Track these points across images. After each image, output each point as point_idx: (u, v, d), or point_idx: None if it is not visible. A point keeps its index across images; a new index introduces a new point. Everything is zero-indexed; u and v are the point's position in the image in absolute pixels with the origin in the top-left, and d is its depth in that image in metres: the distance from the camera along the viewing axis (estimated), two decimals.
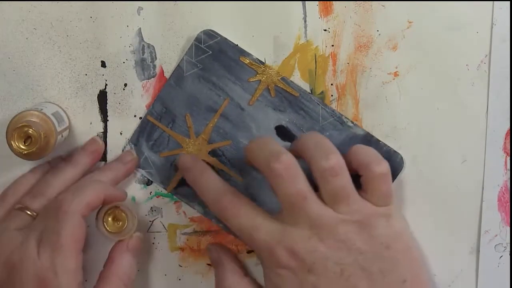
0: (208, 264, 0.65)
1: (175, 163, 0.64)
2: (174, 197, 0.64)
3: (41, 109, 0.59)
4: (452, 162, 0.64)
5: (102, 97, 0.64)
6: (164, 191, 0.64)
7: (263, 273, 0.57)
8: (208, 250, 0.65)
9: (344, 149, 0.60)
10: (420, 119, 0.64)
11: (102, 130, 0.64)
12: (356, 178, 0.57)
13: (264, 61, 0.64)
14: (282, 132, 0.64)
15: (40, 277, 0.54)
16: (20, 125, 0.56)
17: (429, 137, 0.64)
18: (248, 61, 0.64)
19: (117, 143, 0.64)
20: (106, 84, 0.64)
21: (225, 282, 0.61)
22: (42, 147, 0.57)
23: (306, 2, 0.63)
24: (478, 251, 0.64)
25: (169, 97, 0.64)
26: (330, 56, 0.64)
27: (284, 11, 0.63)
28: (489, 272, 0.64)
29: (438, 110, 0.64)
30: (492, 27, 0.63)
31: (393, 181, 0.63)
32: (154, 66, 0.64)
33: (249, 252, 0.65)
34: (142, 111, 0.64)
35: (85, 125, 0.64)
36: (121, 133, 0.64)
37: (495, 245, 0.64)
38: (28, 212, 0.59)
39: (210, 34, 0.63)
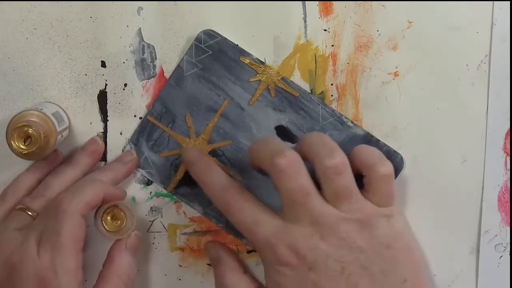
0: (208, 264, 0.65)
1: (178, 160, 0.64)
2: (174, 197, 0.64)
3: (41, 109, 0.59)
4: (452, 162, 0.64)
5: (102, 97, 0.64)
6: (164, 191, 0.64)
7: (264, 271, 0.57)
8: (206, 248, 0.65)
9: (344, 149, 0.60)
10: (420, 119, 0.64)
11: (102, 130, 0.64)
12: (357, 178, 0.57)
13: (264, 61, 0.64)
14: (282, 132, 0.64)
15: (40, 276, 0.54)
16: (20, 125, 0.56)
17: (429, 137, 0.64)
18: (248, 61, 0.64)
19: (117, 143, 0.64)
20: (106, 84, 0.64)
21: (224, 279, 0.61)
22: (42, 147, 0.57)
23: (306, 2, 0.63)
24: (478, 251, 0.64)
25: (169, 97, 0.64)
26: (330, 56, 0.64)
27: (284, 11, 0.63)
28: (489, 272, 0.64)
29: (438, 110, 0.64)
30: (492, 27, 0.63)
31: None
32: (154, 66, 0.64)
33: (249, 252, 0.65)
34: (142, 111, 0.64)
35: (85, 125, 0.64)
36: (121, 133, 0.64)
37: (495, 245, 0.64)
38: (29, 212, 0.59)
39: (210, 34, 0.63)
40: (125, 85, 0.64)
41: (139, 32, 0.63)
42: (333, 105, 0.64)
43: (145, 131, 0.64)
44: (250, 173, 0.63)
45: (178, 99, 0.64)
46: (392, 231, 0.56)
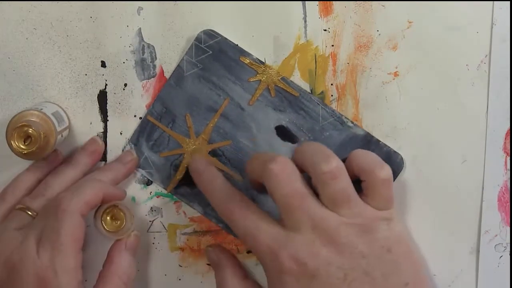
0: (208, 264, 0.65)
1: (178, 160, 0.64)
2: (174, 197, 0.64)
3: (41, 109, 0.59)
4: (452, 162, 0.64)
5: (102, 97, 0.64)
6: (164, 191, 0.64)
7: (266, 279, 0.57)
8: (206, 252, 0.64)
9: (344, 150, 0.60)
10: (420, 119, 0.64)
11: (102, 130, 0.64)
12: (355, 183, 0.56)
13: (264, 61, 0.64)
14: (282, 132, 0.64)
15: (40, 276, 0.54)
16: (20, 124, 0.56)
17: (429, 137, 0.64)
18: (248, 61, 0.64)
19: (117, 143, 0.64)
20: (106, 84, 0.64)
21: (225, 285, 0.61)
22: (42, 146, 0.57)
23: (306, 2, 0.63)
24: (478, 251, 0.64)
25: (169, 97, 0.64)
26: (330, 56, 0.64)
27: (284, 11, 0.63)
28: (489, 272, 0.64)
29: (438, 110, 0.64)
30: (492, 27, 0.63)
31: (393, 182, 0.63)
32: (154, 66, 0.64)
33: (249, 252, 0.65)
34: (142, 111, 0.64)
35: (85, 125, 0.64)
36: (121, 133, 0.64)
37: (495, 245, 0.64)
38: (28, 212, 0.59)
39: (210, 34, 0.63)
40: (125, 85, 0.64)
41: (139, 32, 0.63)
42: (333, 105, 0.64)
43: (145, 131, 0.64)
44: None
45: (178, 99, 0.64)
46: (392, 234, 0.56)
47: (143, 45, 0.64)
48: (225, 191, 0.59)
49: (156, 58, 0.64)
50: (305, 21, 0.63)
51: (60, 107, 0.63)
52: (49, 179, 0.61)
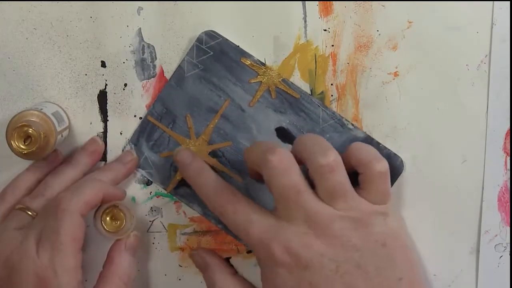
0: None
1: (174, 158, 0.64)
2: (174, 197, 0.64)
3: (41, 109, 0.59)
4: (452, 162, 0.64)
5: (102, 97, 0.64)
6: (164, 191, 0.64)
7: (260, 271, 0.57)
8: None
9: (344, 152, 0.60)
10: (420, 119, 0.64)
11: (102, 130, 0.64)
12: (352, 177, 0.56)
13: (264, 62, 0.64)
14: (283, 134, 0.64)
15: (40, 276, 0.54)
16: (20, 124, 0.57)
17: (429, 137, 0.64)
18: (249, 62, 0.64)
19: (117, 143, 0.64)
20: (106, 84, 0.64)
21: (216, 284, 0.61)
22: (42, 146, 0.57)
23: (306, 2, 0.63)
24: (478, 251, 0.64)
25: (169, 98, 0.64)
26: (330, 56, 0.64)
27: (284, 11, 0.63)
28: (489, 272, 0.64)
29: (438, 110, 0.64)
30: (492, 27, 0.63)
31: (392, 184, 0.63)
32: (154, 66, 0.64)
33: (248, 252, 0.65)
34: (142, 111, 0.64)
35: (85, 125, 0.64)
36: (121, 133, 0.64)
37: (495, 245, 0.64)
38: (28, 212, 0.59)
39: (211, 34, 0.63)
40: (125, 85, 0.64)
41: (139, 32, 0.63)
42: (333, 105, 0.64)
43: (145, 131, 0.64)
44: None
45: (178, 100, 0.64)
46: (388, 229, 0.55)
47: (143, 45, 0.64)
48: (214, 184, 0.59)
49: (156, 58, 0.64)
50: (305, 21, 0.63)
51: (60, 107, 0.63)
52: (49, 179, 0.61)
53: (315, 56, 0.64)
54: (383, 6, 0.63)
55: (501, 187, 0.64)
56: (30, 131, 0.57)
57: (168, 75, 0.64)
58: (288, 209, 0.55)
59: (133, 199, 0.65)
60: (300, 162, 0.56)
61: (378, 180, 0.56)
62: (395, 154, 0.63)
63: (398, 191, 0.63)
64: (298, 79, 0.64)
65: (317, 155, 0.55)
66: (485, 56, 0.63)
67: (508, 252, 0.64)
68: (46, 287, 0.54)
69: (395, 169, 0.63)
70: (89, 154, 0.63)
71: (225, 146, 0.64)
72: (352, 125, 0.64)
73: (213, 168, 0.63)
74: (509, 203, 0.64)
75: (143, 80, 0.64)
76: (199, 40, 0.63)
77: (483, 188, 0.64)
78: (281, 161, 0.55)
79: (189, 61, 0.64)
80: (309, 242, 0.54)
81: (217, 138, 0.64)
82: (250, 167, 0.60)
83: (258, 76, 0.64)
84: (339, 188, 0.55)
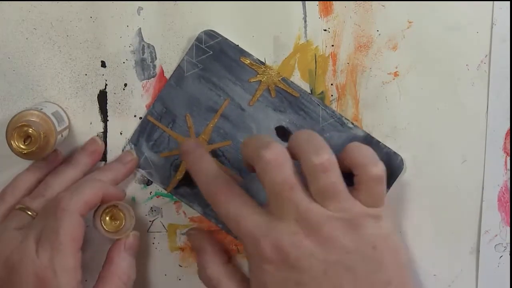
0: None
1: (178, 160, 0.64)
2: (174, 197, 0.64)
3: (41, 109, 0.59)
4: (452, 162, 0.64)
5: (102, 97, 0.64)
6: (164, 191, 0.64)
7: (248, 266, 0.57)
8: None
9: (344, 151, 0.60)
10: (420, 119, 0.64)
11: (102, 130, 0.64)
12: (347, 176, 0.56)
13: (264, 62, 0.64)
14: (282, 133, 0.64)
15: (40, 276, 0.54)
16: (20, 124, 0.56)
17: (429, 137, 0.64)
18: (248, 61, 0.64)
19: (117, 143, 0.64)
20: (106, 84, 0.64)
21: (206, 270, 0.61)
22: (42, 146, 0.57)
23: (306, 2, 0.63)
24: (478, 251, 0.64)
25: (169, 97, 0.64)
26: (330, 56, 0.64)
27: (284, 11, 0.63)
28: (489, 272, 0.64)
29: (438, 110, 0.64)
30: (492, 27, 0.63)
31: (392, 183, 0.63)
32: (154, 66, 0.64)
33: None
34: (142, 111, 0.64)
35: (85, 125, 0.64)
36: (121, 133, 0.64)
37: (495, 245, 0.64)
38: (28, 212, 0.59)
39: (211, 34, 0.63)
40: (125, 85, 0.64)
41: (139, 32, 0.63)
42: (333, 105, 0.64)
43: (145, 131, 0.64)
44: (250, 174, 0.63)
45: (178, 99, 0.64)
46: (380, 232, 0.55)
47: (143, 45, 0.64)
48: (211, 172, 0.58)
49: (156, 58, 0.64)
50: (305, 21, 0.63)
51: (60, 107, 0.63)
52: (49, 179, 0.61)
53: (315, 56, 0.64)
54: (383, 6, 0.63)
55: (501, 187, 0.64)
56: (30, 131, 0.57)
57: (168, 75, 0.64)
58: (279, 206, 0.54)
59: (133, 199, 0.65)
60: (294, 156, 0.56)
61: (373, 184, 0.55)
62: (395, 153, 0.63)
63: (398, 191, 0.63)
64: (298, 79, 0.64)
65: (310, 153, 0.54)
66: (485, 56, 0.63)
67: (508, 252, 0.64)
68: (45, 287, 0.54)
69: (395, 168, 0.63)
70: (89, 154, 0.63)
71: (225, 145, 0.64)
72: (352, 124, 0.64)
73: None
74: (509, 203, 0.64)
75: (143, 80, 0.64)
76: (198, 39, 0.63)
77: (483, 188, 0.64)
78: (274, 157, 0.54)
79: (188, 61, 0.63)
80: (299, 241, 0.53)
81: (217, 138, 0.64)
82: (245, 161, 0.59)
83: (258, 75, 0.64)
84: (331, 188, 0.54)
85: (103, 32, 0.63)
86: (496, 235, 0.64)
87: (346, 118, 0.64)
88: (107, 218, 0.60)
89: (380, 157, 0.59)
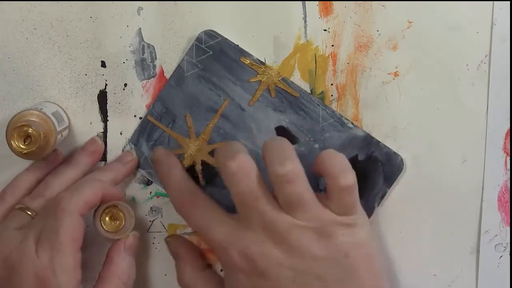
0: (209, 264, 0.65)
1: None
2: None
3: (41, 109, 0.59)
4: (452, 162, 0.64)
5: (102, 97, 0.64)
6: (164, 191, 0.64)
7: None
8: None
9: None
10: (420, 119, 0.64)
11: (102, 130, 0.64)
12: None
13: (264, 62, 0.64)
14: (282, 133, 0.64)
15: (39, 276, 0.54)
16: (20, 124, 0.56)
17: (429, 137, 0.64)
18: (248, 61, 0.64)
19: (117, 143, 0.64)
20: (106, 84, 0.64)
21: (184, 276, 0.61)
22: (42, 146, 0.57)
23: (306, 2, 0.63)
24: (478, 251, 0.64)
25: (169, 97, 0.64)
26: (330, 56, 0.64)
27: (284, 11, 0.63)
28: (489, 272, 0.64)
29: (438, 110, 0.63)
30: (492, 27, 0.63)
31: (392, 183, 0.63)
32: (154, 66, 0.64)
33: None
34: (142, 111, 0.64)
35: (85, 125, 0.64)
36: (121, 133, 0.64)
37: (495, 245, 0.64)
38: (28, 212, 0.59)
39: (210, 34, 0.63)
40: (125, 85, 0.64)
41: (139, 32, 0.63)
42: (333, 105, 0.64)
43: (145, 131, 0.64)
44: None
45: (178, 99, 0.64)
46: (352, 240, 0.54)
47: (143, 45, 0.64)
48: (179, 185, 0.59)
49: (156, 58, 0.64)
50: (305, 21, 0.63)
51: (60, 107, 0.63)
52: (49, 179, 0.61)
53: (315, 56, 0.64)
54: (383, 6, 0.63)
55: (501, 187, 0.64)
56: (30, 131, 0.56)
57: (168, 75, 0.64)
58: (247, 215, 0.55)
59: (133, 199, 0.65)
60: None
61: (343, 194, 0.55)
62: (395, 153, 0.63)
63: (398, 191, 0.63)
64: (298, 79, 0.64)
65: (275, 163, 0.54)
66: (485, 56, 0.63)
67: (508, 252, 0.64)
68: (45, 287, 0.54)
69: (395, 168, 0.63)
70: (89, 154, 0.63)
71: None
72: (352, 124, 0.63)
73: (213, 168, 0.63)
74: (509, 203, 0.64)
75: (143, 80, 0.64)
76: (198, 39, 0.63)
77: (483, 188, 0.64)
78: (239, 168, 0.54)
79: (188, 61, 0.63)
80: (267, 250, 0.54)
81: (217, 138, 0.64)
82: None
83: (258, 75, 0.64)
84: (297, 198, 0.54)
85: (103, 32, 0.63)
86: (496, 235, 0.64)
87: (346, 118, 0.64)
88: (107, 218, 0.60)
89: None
